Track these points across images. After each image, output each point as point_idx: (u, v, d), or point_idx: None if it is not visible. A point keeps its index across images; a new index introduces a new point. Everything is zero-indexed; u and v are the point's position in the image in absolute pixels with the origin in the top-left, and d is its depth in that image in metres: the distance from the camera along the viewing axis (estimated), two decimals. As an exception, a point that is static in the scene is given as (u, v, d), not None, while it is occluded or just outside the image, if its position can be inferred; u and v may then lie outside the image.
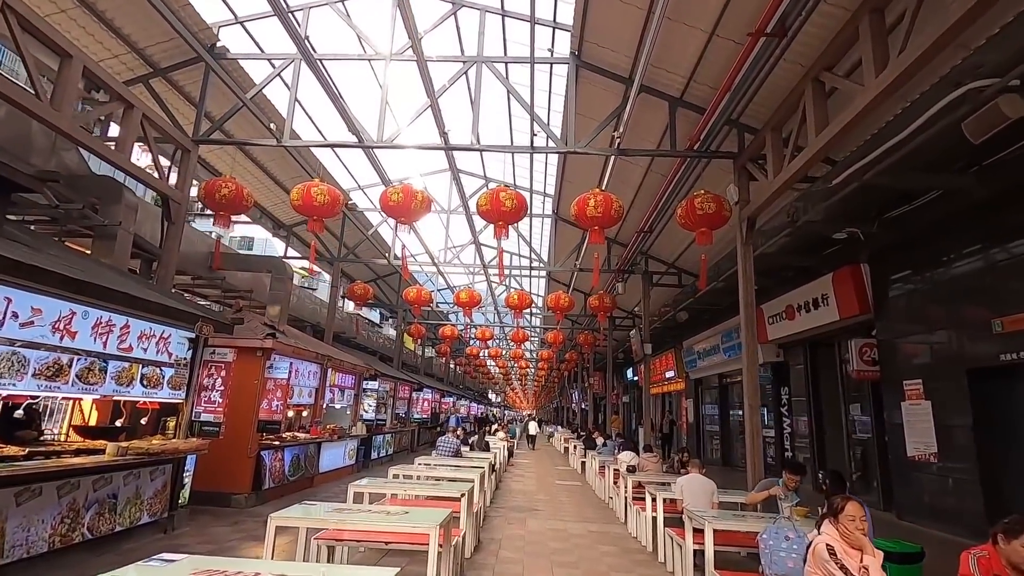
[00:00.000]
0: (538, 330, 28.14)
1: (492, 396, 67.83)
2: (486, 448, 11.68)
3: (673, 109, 7.99)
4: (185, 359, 6.61)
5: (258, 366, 8.39)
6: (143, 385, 5.91)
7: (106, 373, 5.40)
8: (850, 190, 6.90)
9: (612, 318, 19.28)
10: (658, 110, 8.45)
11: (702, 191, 7.49)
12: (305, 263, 27.58)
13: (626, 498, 8.38)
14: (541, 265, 15.60)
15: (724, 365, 14.75)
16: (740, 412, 15.44)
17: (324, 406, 11.32)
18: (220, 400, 6.71)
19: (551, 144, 7.96)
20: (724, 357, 14.18)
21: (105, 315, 5.33)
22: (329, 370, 11.22)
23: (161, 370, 6.20)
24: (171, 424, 6.73)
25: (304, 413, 10.65)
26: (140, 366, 5.86)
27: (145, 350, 5.91)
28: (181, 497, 6.74)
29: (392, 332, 28.15)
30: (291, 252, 15.01)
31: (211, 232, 14.80)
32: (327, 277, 19.46)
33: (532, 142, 7.81)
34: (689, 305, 13.78)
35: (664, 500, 6.37)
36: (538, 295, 24.48)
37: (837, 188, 6.93)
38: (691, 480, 5.83)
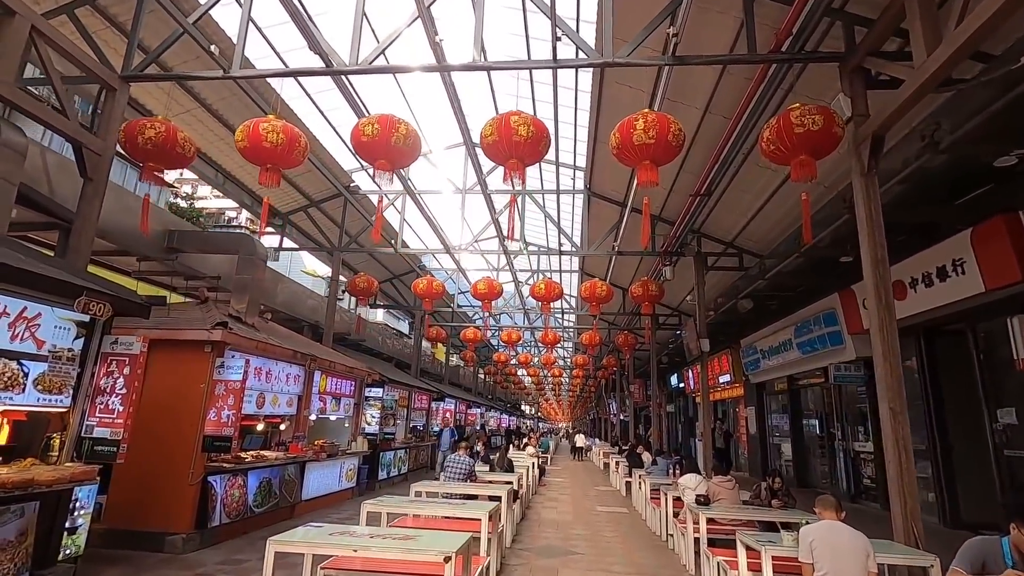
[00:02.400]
0: (571, 332, 25.84)
1: (526, 408, 65.39)
2: (509, 467, 9.49)
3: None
4: (71, 350, 4.70)
5: (205, 365, 6.49)
6: (-19, 386, 4.00)
7: None
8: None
9: (655, 316, 16.90)
10: (726, 8, 6.26)
11: (798, 104, 5.24)
12: (316, 266, 26.00)
13: (696, 539, 6.09)
14: (573, 249, 13.41)
15: (797, 364, 12.19)
16: (816, 421, 12.82)
17: (312, 417, 9.36)
18: (120, 408, 4.80)
19: (582, 56, 5.85)
20: (799, 354, 11.64)
21: None
22: (317, 374, 9.27)
23: (21, 364, 4.29)
24: (56, 442, 4.83)
25: (283, 426, 8.70)
26: (-25, 357, 3.96)
27: (-13, 334, 4.01)
28: (71, 545, 4.80)
29: (424, 343, 26.07)
30: (288, 243, 13.29)
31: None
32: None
33: (555, 52, 5.72)
34: (755, 291, 11.33)
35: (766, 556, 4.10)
36: (571, 296, 22.25)
37: (1015, 78, 4.57)
38: (829, 532, 3.53)
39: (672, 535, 7.42)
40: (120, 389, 4.88)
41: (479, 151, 11.95)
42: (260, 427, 8.49)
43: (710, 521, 6.06)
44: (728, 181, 9.06)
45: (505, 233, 12.44)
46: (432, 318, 21.76)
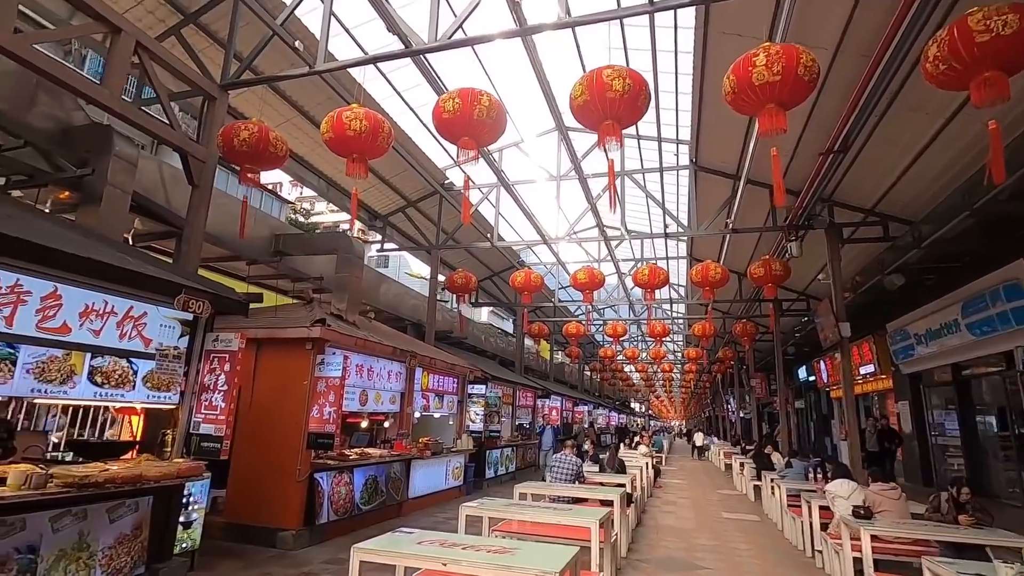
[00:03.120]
0: (681, 324, 24.25)
1: (636, 406, 63.28)
2: (621, 468, 8.77)
3: None
4: (176, 348, 4.79)
5: (306, 363, 6.54)
6: (95, 383, 4.12)
7: (15, 364, 3.65)
8: None
9: (779, 302, 15.18)
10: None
11: (978, 7, 4.05)
12: (421, 269, 26.74)
13: (856, 559, 5.03)
14: (680, 230, 12.29)
15: (967, 349, 10.17)
16: (994, 418, 10.63)
17: (416, 415, 9.30)
18: (222, 404, 4.84)
19: (682, -5, 5.05)
20: (969, 337, 9.69)
21: (6, 276, 3.59)
22: (419, 371, 9.19)
23: (131, 362, 4.40)
24: (170, 438, 4.97)
25: (387, 423, 8.69)
26: (88, 355, 4.08)
27: (97, 332, 4.13)
28: (186, 539, 4.91)
29: (528, 342, 25.77)
30: (389, 245, 13.56)
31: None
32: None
33: (650, -8, 4.97)
34: (906, 264, 9.59)
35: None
36: (679, 285, 20.82)
37: None
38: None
39: (820, 551, 6.31)
40: (221, 386, 4.93)
41: (571, 135, 11.41)
42: (364, 424, 8.56)
43: (873, 538, 4.97)
44: (868, 133, 7.65)
45: (604, 216, 11.73)
46: (534, 314, 21.43)
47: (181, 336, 4.86)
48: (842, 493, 5.92)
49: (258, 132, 5.99)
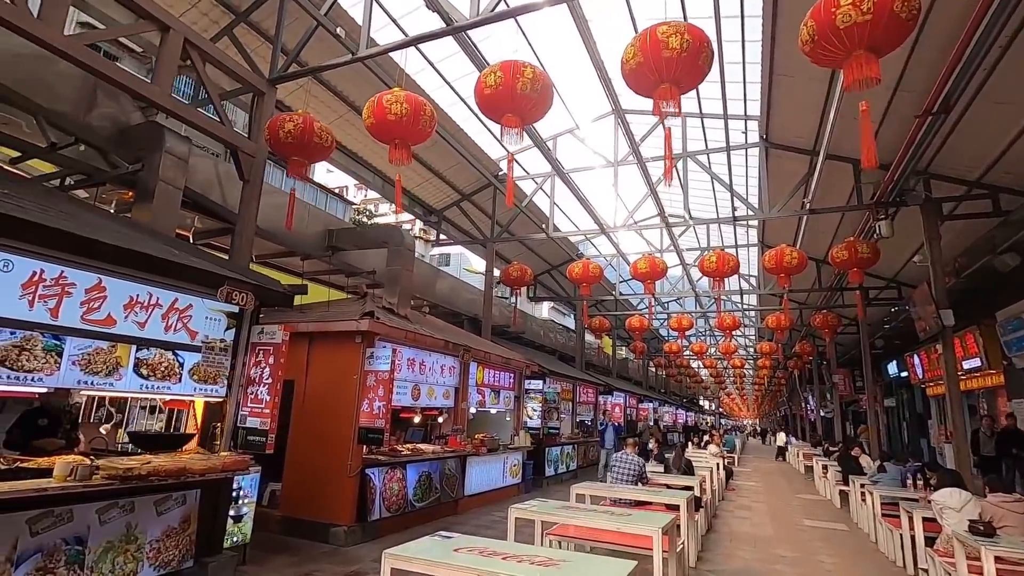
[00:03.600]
0: (753, 316, 22.85)
1: (704, 403, 60.79)
2: (688, 469, 8.16)
3: None
4: (223, 341, 4.76)
5: (356, 356, 6.43)
6: (141, 375, 4.11)
7: (61, 355, 3.66)
8: None
9: (865, 289, 13.86)
10: None
11: None
12: (480, 265, 26.69)
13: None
14: (750, 213, 11.38)
15: (1102, 340, 8.75)
16: None
17: (472, 410, 9.08)
18: (267, 397, 4.76)
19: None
20: (1105, 325, 8.31)
21: (51, 268, 3.60)
22: (473, 366, 8.96)
23: (176, 355, 4.38)
24: (219, 431, 4.95)
25: (440, 419, 8.52)
26: (133, 347, 4.08)
27: (142, 324, 4.12)
28: (237, 533, 4.87)
29: (590, 338, 25.02)
30: (443, 239, 13.48)
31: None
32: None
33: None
34: (1023, 241, 8.34)
35: None
36: (749, 275, 19.56)
37: None
38: None
39: (926, 569, 5.50)
40: (266, 379, 4.85)
41: (629, 118, 10.82)
42: (417, 420, 8.43)
43: (996, 559, 4.20)
44: (975, 90, 6.64)
45: (665, 203, 11.06)
46: (594, 308, 20.85)
47: (227, 329, 4.82)
48: (953, 504, 5.11)
49: (303, 123, 5.91)
